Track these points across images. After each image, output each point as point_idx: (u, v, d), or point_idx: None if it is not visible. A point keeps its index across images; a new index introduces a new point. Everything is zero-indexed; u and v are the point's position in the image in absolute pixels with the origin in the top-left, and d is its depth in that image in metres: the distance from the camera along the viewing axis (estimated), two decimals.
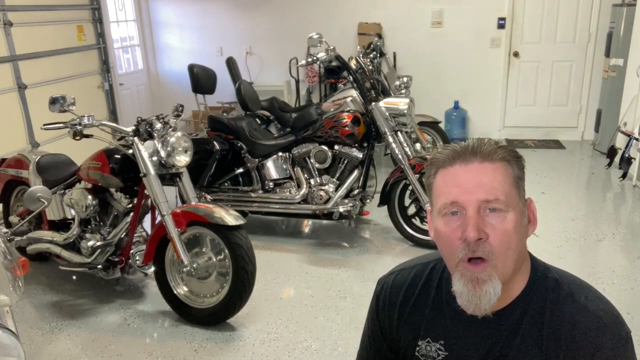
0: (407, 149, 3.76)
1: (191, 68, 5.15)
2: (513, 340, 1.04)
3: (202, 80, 5.17)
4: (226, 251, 2.73)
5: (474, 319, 1.05)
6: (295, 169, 3.88)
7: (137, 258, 3.03)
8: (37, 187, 2.22)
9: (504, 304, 1.04)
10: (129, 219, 3.02)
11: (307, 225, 4.32)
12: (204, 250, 2.86)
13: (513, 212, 0.99)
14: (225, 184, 4.06)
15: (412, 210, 3.74)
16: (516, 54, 6.32)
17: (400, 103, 3.74)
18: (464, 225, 0.99)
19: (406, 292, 1.18)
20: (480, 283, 0.99)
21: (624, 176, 4.90)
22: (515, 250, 1.01)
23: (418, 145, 4.44)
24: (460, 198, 0.99)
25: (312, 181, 3.82)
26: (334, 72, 5.92)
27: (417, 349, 1.15)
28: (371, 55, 5.00)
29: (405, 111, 3.71)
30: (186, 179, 2.92)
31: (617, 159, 5.09)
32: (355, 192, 3.74)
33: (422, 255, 1.25)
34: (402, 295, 1.19)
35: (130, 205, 3.04)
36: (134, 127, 2.79)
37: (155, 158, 2.78)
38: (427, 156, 3.61)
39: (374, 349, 1.27)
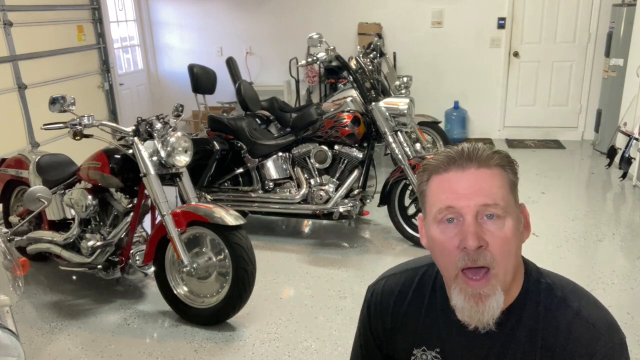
0: (407, 149, 3.77)
1: (191, 68, 5.15)
2: (509, 348, 1.02)
3: (202, 80, 5.18)
4: (226, 251, 2.73)
5: (469, 327, 1.03)
6: (295, 169, 3.88)
7: (137, 258, 3.03)
8: (37, 187, 2.22)
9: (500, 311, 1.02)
10: (129, 219, 3.02)
11: (307, 225, 4.32)
12: (204, 250, 2.86)
13: (511, 218, 0.97)
14: (225, 184, 4.06)
15: (412, 210, 3.74)
16: (516, 54, 6.32)
17: (400, 103, 3.74)
18: (462, 234, 0.95)
19: (397, 298, 1.15)
20: (484, 298, 0.96)
21: (624, 176, 4.90)
22: (515, 256, 0.98)
23: (418, 145, 4.43)
24: (457, 204, 0.95)
25: (312, 181, 3.82)
26: (334, 72, 5.92)
27: (412, 358, 1.12)
28: (371, 55, 4.99)
29: (405, 111, 3.71)
30: (186, 179, 2.92)
31: (617, 159, 5.09)
32: (355, 192, 3.74)
33: (411, 259, 1.21)
34: (394, 301, 1.15)
35: (130, 205, 3.04)
36: (134, 127, 2.79)
37: (155, 158, 2.78)
38: (427, 156, 3.61)
39: (366, 356, 1.24)
